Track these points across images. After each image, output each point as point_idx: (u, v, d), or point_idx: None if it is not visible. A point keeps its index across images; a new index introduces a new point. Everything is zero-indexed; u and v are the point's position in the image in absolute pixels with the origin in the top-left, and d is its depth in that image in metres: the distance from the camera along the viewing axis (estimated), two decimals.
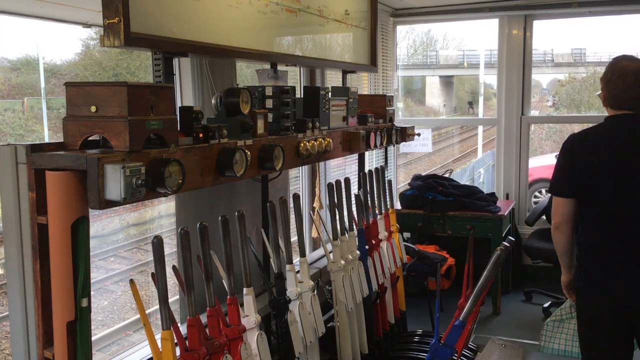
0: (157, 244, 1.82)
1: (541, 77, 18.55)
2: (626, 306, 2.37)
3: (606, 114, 2.47)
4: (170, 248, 2.82)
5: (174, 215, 2.75)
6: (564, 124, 10.44)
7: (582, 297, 2.52)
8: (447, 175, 5.28)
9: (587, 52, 16.81)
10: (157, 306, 1.86)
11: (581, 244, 2.51)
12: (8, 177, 1.65)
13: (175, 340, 1.88)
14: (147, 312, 1.90)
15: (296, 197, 2.67)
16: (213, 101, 2.25)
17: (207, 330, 2.02)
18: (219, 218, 2.12)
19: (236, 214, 2.22)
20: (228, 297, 2.12)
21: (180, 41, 2.06)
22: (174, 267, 2.03)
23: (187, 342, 1.93)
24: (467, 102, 20.24)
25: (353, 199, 3.19)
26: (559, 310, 2.84)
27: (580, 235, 2.52)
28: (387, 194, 3.57)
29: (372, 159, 5.11)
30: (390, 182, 3.67)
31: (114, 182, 1.54)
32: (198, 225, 2.03)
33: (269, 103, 2.50)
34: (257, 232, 2.88)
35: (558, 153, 2.51)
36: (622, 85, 2.35)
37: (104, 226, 7.04)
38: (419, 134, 4.13)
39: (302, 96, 2.92)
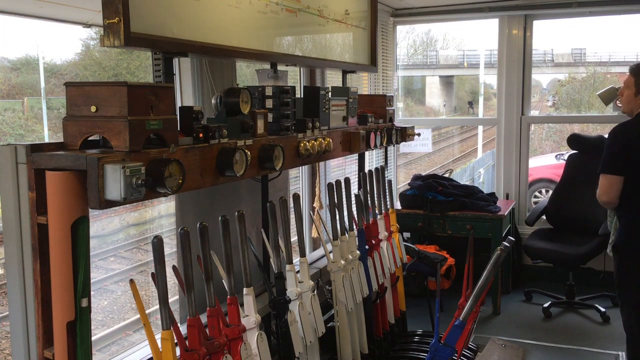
0: (157, 244, 1.82)
1: (541, 77, 18.54)
2: None
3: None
4: (170, 248, 2.82)
5: (174, 215, 2.75)
6: (564, 124, 10.42)
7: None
8: (447, 175, 5.28)
9: (587, 52, 16.81)
10: (157, 306, 1.86)
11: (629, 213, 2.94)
12: (8, 177, 1.65)
13: (175, 340, 1.88)
14: (147, 312, 1.90)
15: (296, 197, 2.66)
16: (213, 101, 2.25)
17: (207, 330, 2.02)
18: (219, 218, 2.12)
19: (236, 214, 2.22)
20: (228, 297, 2.12)
21: (180, 41, 2.06)
22: (174, 267, 2.03)
23: (187, 342, 1.93)
24: (467, 102, 20.23)
25: (353, 199, 3.19)
26: None
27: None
28: (387, 194, 3.56)
29: (372, 159, 5.10)
30: (390, 182, 3.67)
31: (114, 182, 1.54)
32: (198, 225, 2.03)
33: (269, 103, 2.50)
34: (257, 232, 2.88)
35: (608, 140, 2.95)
36: None
37: (104, 226, 7.04)
38: (419, 134, 4.13)
39: (302, 96, 2.92)
